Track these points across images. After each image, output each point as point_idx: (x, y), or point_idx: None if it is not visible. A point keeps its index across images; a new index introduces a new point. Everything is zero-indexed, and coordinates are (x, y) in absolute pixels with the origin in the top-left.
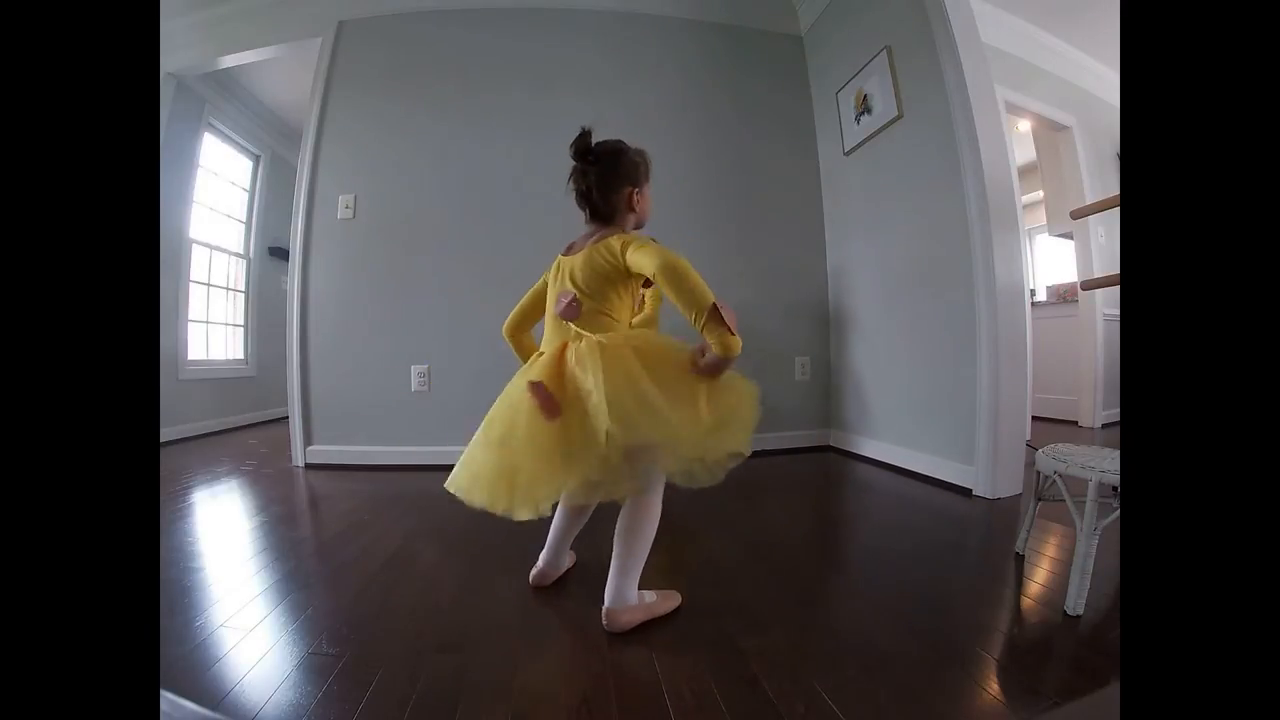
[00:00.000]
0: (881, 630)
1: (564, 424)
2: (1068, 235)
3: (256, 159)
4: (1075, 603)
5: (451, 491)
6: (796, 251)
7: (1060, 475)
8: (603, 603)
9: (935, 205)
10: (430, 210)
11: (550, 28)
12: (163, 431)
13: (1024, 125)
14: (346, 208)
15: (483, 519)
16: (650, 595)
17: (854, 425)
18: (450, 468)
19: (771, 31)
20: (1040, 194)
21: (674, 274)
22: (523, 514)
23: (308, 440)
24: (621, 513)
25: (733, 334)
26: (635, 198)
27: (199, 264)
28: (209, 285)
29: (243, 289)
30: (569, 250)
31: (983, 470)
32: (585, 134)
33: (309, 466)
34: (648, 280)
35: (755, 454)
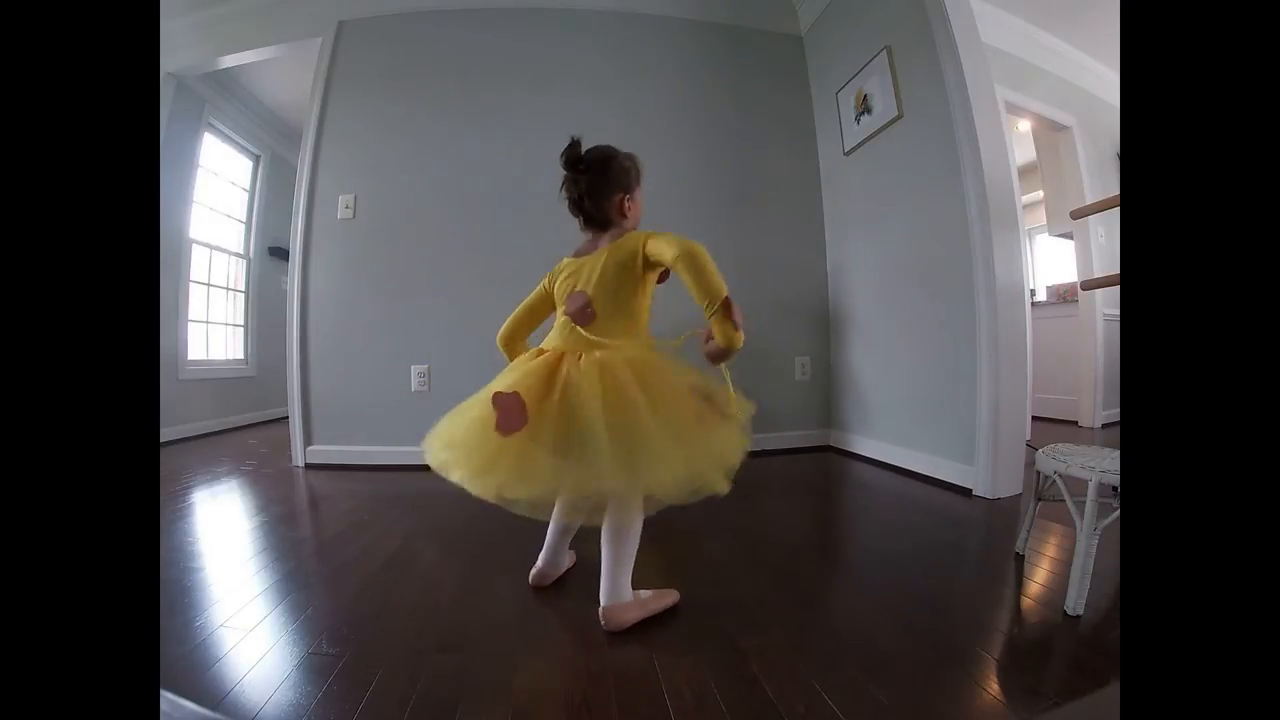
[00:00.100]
0: (881, 630)
1: (533, 433)
2: (1068, 235)
3: (256, 159)
4: (1075, 603)
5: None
6: (796, 251)
7: (1060, 475)
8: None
9: (935, 205)
10: (430, 210)
11: (550, 28)
12: (163, 431)
13: (1024, 125)
14: (346, 208)
15: (483, 519)
16: (646, 593)
17: (854, 425)
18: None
19: (771, 31)
20: (1040, 194)
21: (693, 261)
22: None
23: (308, 440)
24: (606, 513)
25: (738, 330)
26: (626, 204)
27: (199, 264)
28: (209, 285)
29: (243, 289)
30: (577, 255)
31: (983, 470)
32: (575, 143)
33: (309, 466)
34: (662, 276)
35: (755, 454)
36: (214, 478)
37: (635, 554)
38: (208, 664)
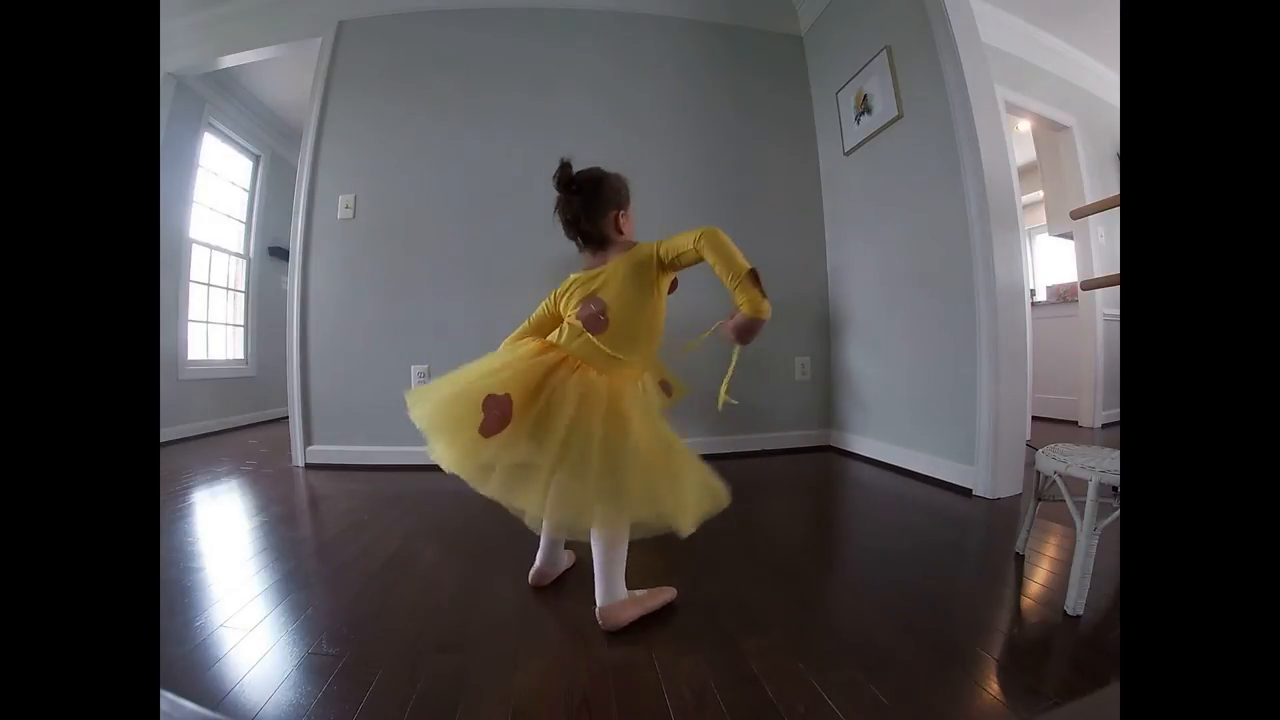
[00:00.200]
0: (881, 630)
1: (512, 436)
2: (1068, 235)
3: (256, 159)
4: (1075, 603)
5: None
6: (796, 251)
7: (1060, 475)
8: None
9: (935, 205)
10: (430, 210)
11: (550, 28)
12: (163, 431)
13: (1024, 125)
14: (346, 208)
15: (483, 519)
16: (641, 592)
17: (854, 425)
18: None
19: (771, 31)
20: (1040, 194)
21: (715, 239)
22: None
23: (308, 440)
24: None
25: (764, 297)
26: (621, 220)
27: (199, 264)
28: (209, 285)
29: (243, 289)
30: (586, 269)
31: (983, 470)
32: (565, 165)
33: (309, 466)
34: (672, 286)
35: (756, 454)
36: (214, 478)
37: (626, 553)
38: (208, 664)
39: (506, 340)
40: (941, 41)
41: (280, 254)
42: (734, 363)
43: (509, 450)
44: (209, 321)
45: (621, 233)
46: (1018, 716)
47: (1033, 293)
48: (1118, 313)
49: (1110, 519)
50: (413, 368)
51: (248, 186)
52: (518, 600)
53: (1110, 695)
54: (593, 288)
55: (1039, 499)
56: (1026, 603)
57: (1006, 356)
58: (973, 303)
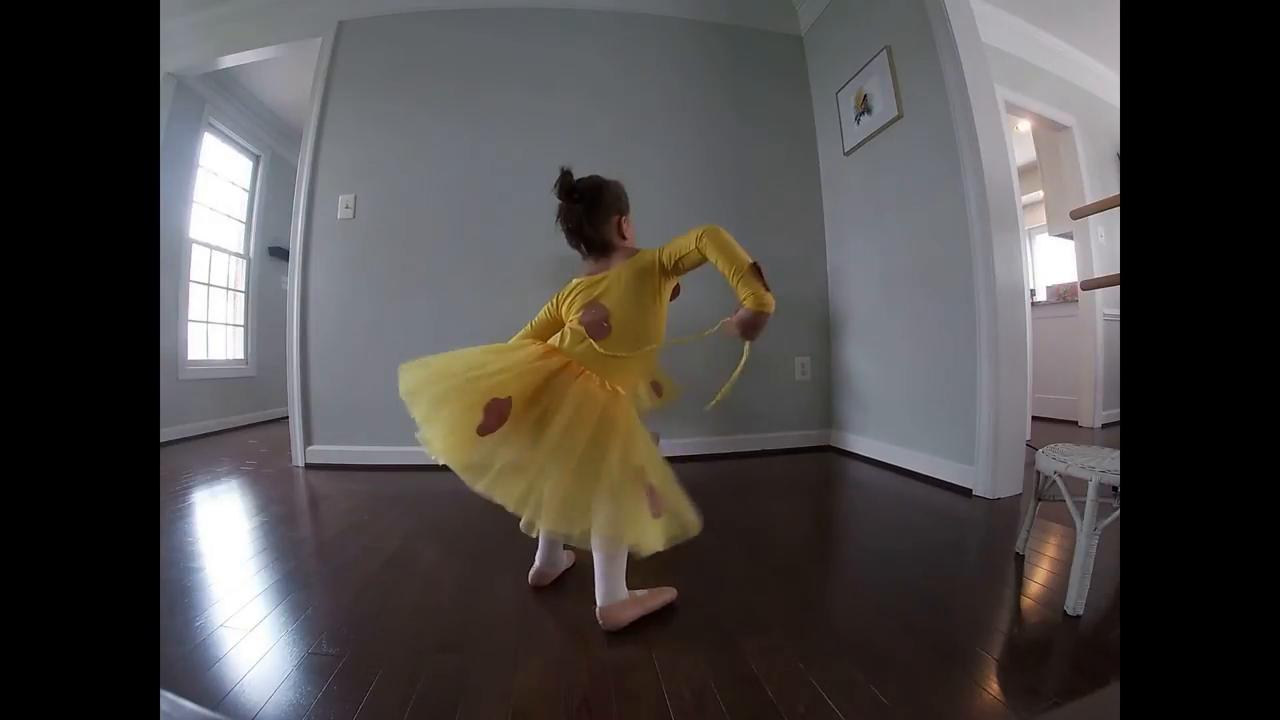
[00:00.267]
0: (881, 630)
1: (504, 437)
2: (1068, 235)
3: (256, 159)
4: (1075, 603)
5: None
6: (796, 251)
7: (1060, 475)
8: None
9: (935, 205)
10: (430, 210)
11: (550, 28)
12: (163, 431)
13: (1024, 125)
14: (346, 208)
15: (483, 519)
16: (641, 592)
17: (854, 425)
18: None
19: (771, 31)
20: (1040, 194)
21: (716, 236)
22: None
23: (308, 440)
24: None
25: (768, 290)
26: (623, 225)
27: (199, 264)
28: (209, 285)
29: (243, 289)
30: (589, 275)
31: (983, 470)
32: (566, 174)
33: (309, 466)
34: (674, 293)
35: (756, 454)
36: (214, 478)
37: (626, 554)
38: (208, 664)
39: (511, 341)
40: (941, 41)
41: (280, 254)
42: (744, 359)
43: (501, 450)
44: (209, 321)
45: (624, 238)
46: (1018, 716)
47: (1033, 293)
48: (1118, 313)
49: (1110, 519)
50: None
51: (248, 186)
52: (518, 600)
53: (1110, 695)
54: (595, 293)
55: (1039, 499)
56: (1026, 603)
57: (1006, 356)
58: (973, 303)
